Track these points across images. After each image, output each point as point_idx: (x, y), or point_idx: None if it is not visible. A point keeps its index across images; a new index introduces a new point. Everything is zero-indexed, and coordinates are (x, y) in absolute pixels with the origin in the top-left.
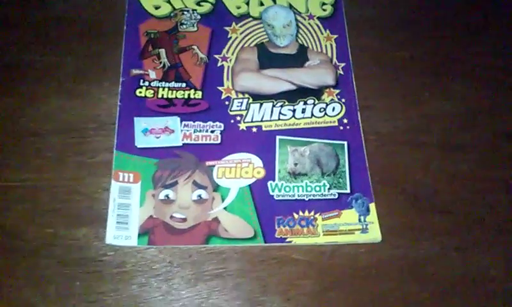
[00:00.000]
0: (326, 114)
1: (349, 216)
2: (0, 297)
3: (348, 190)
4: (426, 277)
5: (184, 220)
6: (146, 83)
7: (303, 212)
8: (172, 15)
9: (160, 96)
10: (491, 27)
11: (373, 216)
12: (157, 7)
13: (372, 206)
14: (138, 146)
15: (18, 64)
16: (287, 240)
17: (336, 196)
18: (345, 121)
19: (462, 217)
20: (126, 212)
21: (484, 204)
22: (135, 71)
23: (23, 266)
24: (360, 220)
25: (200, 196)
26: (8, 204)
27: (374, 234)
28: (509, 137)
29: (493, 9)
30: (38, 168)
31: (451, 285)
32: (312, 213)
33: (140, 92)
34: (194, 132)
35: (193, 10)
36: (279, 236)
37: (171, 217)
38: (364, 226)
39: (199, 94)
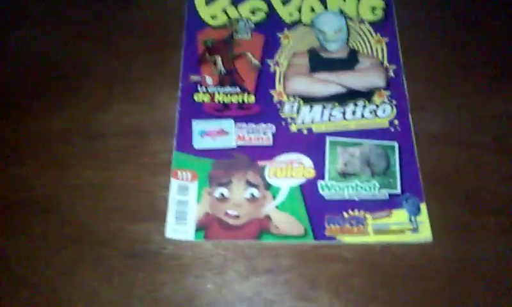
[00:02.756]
0: (376, 115)
1: (400, 216)
2: (70, 283)
3: (399, 191)
4: (480, 279)
5: (238, 217)
6: (204, 88)
7: (353, 211)
8: (228, 24)
9: (216, 100)
10: None
11: (424, 216)
12: (213, 17)
13: (423, 206)
14: (196, 147)
15: (89, 73)
16: (337, 238)
17: (387, 196)
18: (395, 122)
19: None
20: (184, 208)
21: None
22: (193, 77)
23: (91, 257)
24: (410, 220)
25: (252, 194)
26: (77, 200)
27: (425, 233)
28: None
29: None
30: (105, 168)
31: (507, 287)
32: (362, 212)
33: (198, 97)
34: (248, 133)
35: (247, 19)
36: (329, 235)
37: (226, 213)
38: (415, 226)
39: (252, 98)
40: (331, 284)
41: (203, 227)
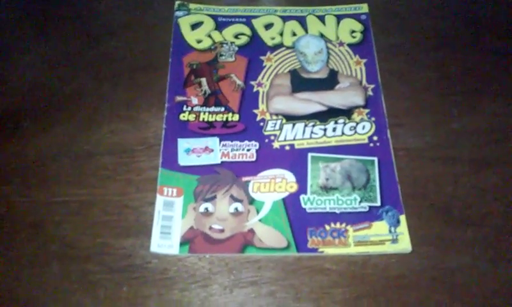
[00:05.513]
0: (356, 132)
1: (380, 227)
2: (56, 299)
3: (379, 203)
4: (458, 288)
5: (222, 231)
6: (189, 108)
7: (335, 224)
8: (212, 47)
9: (201, 119)
10: None
11: (403, 227)
12: (199, 41)
13: (402, 217)
14: (181, 164)
15: (77, 95)
16: (319, 250)
17: (367, 209)
18: (375, 138)
19: (494, 230)
20: (169, 223)
21: None
22: (179, 98)
23: (77, 272)
24: (390, 231)
25: (236, 208)
26: (65, 217)
27: (404, 244)
28: None
29: None
30: (92, 185)
31: (483, 296)
32: (343, 225)
33: (183, 116)
34: (232, 150)
35: (231, 42)
36: (311, 247)
37: (210, 228)
38: (394, 237)
39: (236, 117)
40: (313, 295)
41: (187, 241)
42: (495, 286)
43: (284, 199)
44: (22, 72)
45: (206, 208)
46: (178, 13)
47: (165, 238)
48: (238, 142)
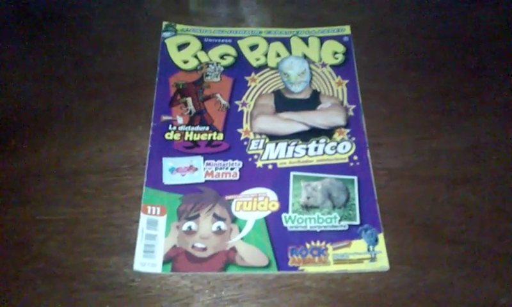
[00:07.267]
0: (337, 151)
1: (359, 246)
2: None
3: (358, 222)
4: (435, 305)
5: (205, 249)
6: (174, 127)
7: (315, 242)
8: (198, 68)
9: (186, 138)
10: (493, 66)
11: (381, 246)
12: (185, 62)
13: (381, 236)
14: (165, 183)
15: (64, 112)
16: (299, 268)
17: (347, 227)
18: (355, 158)
19: (471, 247)
20: (152, 241)
21: (493, 235)
22: (164, 118)
23: (61, 290)
24: (368, 249)
25: (219, 227)
26: (50, 235)
27: (382, 262)
28: None
29: (495, 49)
30: (77, 203)
31: None
32: (323, 243)
33: (169, 135)
34: (216, 169)
35: (217, 63)
36: (292, 265)
37: (193, 246)
38: (372, 255)
39: (220, 136)
40: None
41: (170, 260)
42: (472, 303)
43: (266, 218)
44: (9, 90)
45: (189, 227)
46: (165, 34)
47: (148, 257)
48: (222, 161)
